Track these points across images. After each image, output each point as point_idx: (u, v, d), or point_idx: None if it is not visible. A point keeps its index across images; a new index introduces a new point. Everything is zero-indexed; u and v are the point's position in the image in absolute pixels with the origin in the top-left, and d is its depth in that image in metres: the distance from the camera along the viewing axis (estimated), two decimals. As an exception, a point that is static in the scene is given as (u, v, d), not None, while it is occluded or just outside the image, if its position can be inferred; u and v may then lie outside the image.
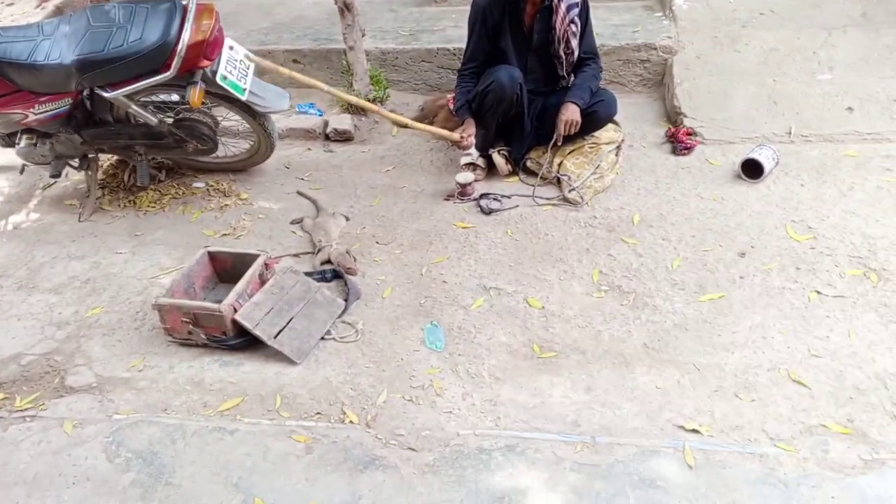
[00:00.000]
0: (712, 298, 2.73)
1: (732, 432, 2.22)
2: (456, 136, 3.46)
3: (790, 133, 3.59)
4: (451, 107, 3.81)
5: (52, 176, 3.56)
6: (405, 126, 3.70)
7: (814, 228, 3.02)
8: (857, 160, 3.39)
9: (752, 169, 3.33)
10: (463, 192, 3.44)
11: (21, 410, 2.52)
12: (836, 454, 2.12)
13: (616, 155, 3.54)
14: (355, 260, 3.08)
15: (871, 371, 2.37)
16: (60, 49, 3.07)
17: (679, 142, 3.62)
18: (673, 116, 3.89)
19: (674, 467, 2.13)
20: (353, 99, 3.68)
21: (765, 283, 2.78)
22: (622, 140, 3.61)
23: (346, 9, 3.83)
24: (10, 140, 3.49)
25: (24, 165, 3.67)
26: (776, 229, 3.04)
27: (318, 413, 2.42)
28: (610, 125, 3.58)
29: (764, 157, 3.30)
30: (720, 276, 2.84)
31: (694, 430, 2.23)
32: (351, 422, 2.38)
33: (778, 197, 3.23)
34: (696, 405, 2.32)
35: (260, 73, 3.51)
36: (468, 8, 3.47)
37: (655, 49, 4.17)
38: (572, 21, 3.26)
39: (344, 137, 4.08)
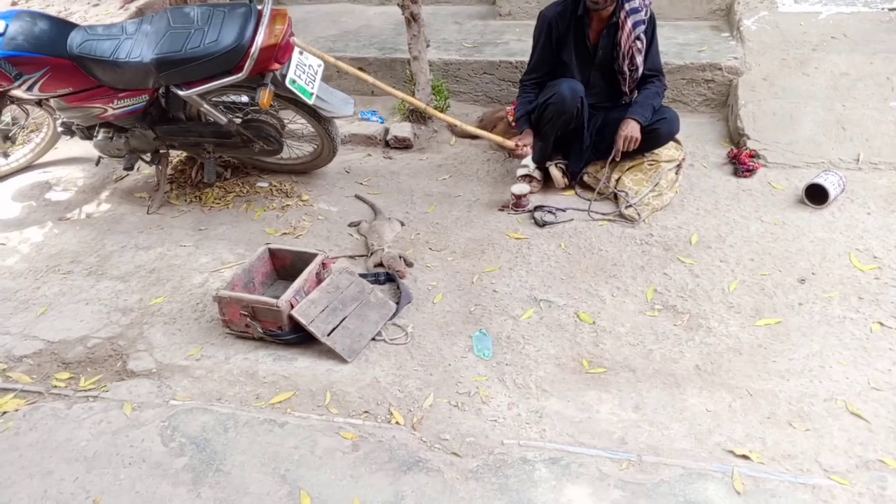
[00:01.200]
0: (769, 324, 2.68)
1: (784, 461, 2.16)
2: (511, 143, 3.48)
3: (858, 160, 3.49)
4: (510, 118, 3.84)
5: (126, 169, 3.72)
6: (462, 133, 3.72)
7: (879, 258, 2.93)
8: (929, 191, 3.28)
9: (816, 194, 3.26)
10: (518, 203, 3.46)
11: (85, 390, 2.64)
12: (894, 491, 2.05)
13: (676, 173, 3.51)
14: (412, 265, 3.12)
15: (935, 408, 2.29)
16: (141, 48, 3.21)
17: (741, 163, 3.57)
18: (736, 138, 3.83)
19: (721, 492, 2.09)
20: (414, 101, 3.69)
21: (825, 311, 2.71)
22: (683, 159, 3.57)
23: (412, 19, 3.90)
24: (88, 133, 3.67)
25: (99, 157, 3.85)
26: (839, 257, 2.96)
27: (366, 412, 2.46)
28: (671, 143, 3.55)
29: (830, 182, 3.22)
30: (778, 301, 2.78)
31: (744, 456, 2.19)
32: (397, 423, 2.41)
33: (843, 224, 3.15)
34: (748, 431, 2.27)
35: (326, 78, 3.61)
36: (532, 22, 3.51)
37: (721, 69, 4.11)
38: (638, 37, 3.25)
39: (403, 145, 4.15)
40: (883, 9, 4.32)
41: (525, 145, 3.46)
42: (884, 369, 2.44)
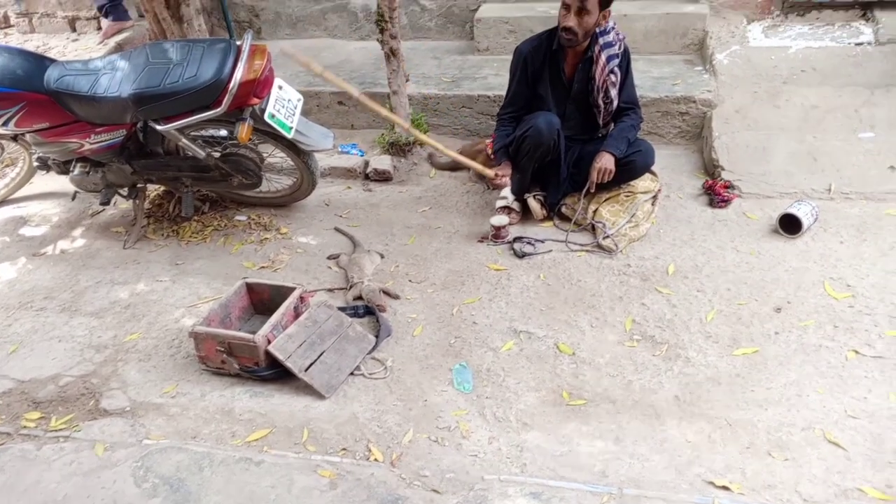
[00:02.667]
0: (746, 353, 2.69)
1: (764, 491, 2.16)
2: (491, 172, 3.51)
3: (830, 190, 3.56)
4: (489, 151, 3.87)
5: (102, 203, 3.70)
6: (442, 165, 3.72)
7: (853, 287, 2.96)
8: (899, 220, 3.34)
9: (790, 224, 3.30)
10: (497, 234, 3.48)
11: (55, 431, 2.58)
12: (874, 521, 2.05)
13: (652, 204, 3.55)
14: (397, 297, 3.12)
15: (911, 436, 2.30)
16: (119, 83, 3.22)
17: (716, 194, 3.62)
18: (711, 169, 3.89)
19: (702, 524, 2.08)
20: (398, 119, 3.68)
21: (801, 339, 2.73)
22: (658, 190, 3.62)
23: (391, 55, 3.95)
24: (64, 167, 3.65)
25: (75, 192, 3.82)
26: (814, 286, 2.99)
27: (344, 449, 2.42)
28: (647, 175, 3.60)
29: (803, 212, 3.28)
30: (755, 330, 2.80)
31: (724, 487, 2.18)
32: (376, 459, 2.37)
33: (816, 253, 3.19)
34: (727, 461, 2.27)
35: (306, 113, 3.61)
36: (510, 56, 3.56)
37: (695, 102, 4.19)
38: (612, 71, 3.31)
39: (383, 177, 4.16)
40: (850, 43, 4.45)
41: (504, 176, 3.49)
42: (859, 397, 2.45)
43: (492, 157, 3.73)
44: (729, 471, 2.23)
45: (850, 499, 2.11)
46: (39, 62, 3.37)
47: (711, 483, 2.19)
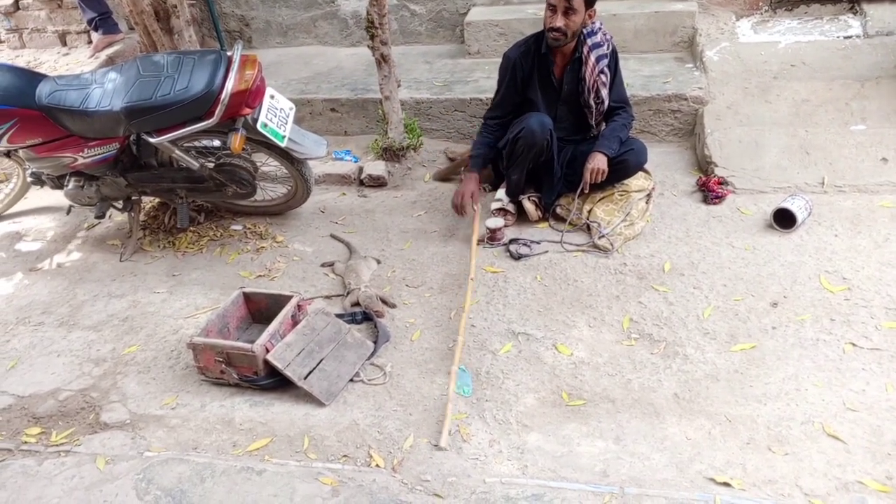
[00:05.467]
0: (744, 349, 2.70)
1: (765, 486, 2.16)
2: (468, 200, 3.50)
3: (823, 183, 3.57)
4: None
5: (97, 217, 3.70)
6: (445, 176, 3.73)
7: (848, 279, 2.97)
8: (892, 211, 3.35)
9: (784, 219, 3.31)
10: (493, 236, 3.48)
11: (56, 445, 2.58)
12: (875, 513, 2.06)
13: (646, 202, 3.56)
14: (394, 306, 3.12)
15: (910, 427, 2.30)
16: (111, 97, 3.22)
17: (710, 191, 3.63)
18: (704, 166, 3.90)
19: (704, 521, 2.08)
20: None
21: (798, 333, 2.73)
22: (652, 188, 3.62)
23: (382, 60, 3.95)
24: (58, 182, 3.64)
25: (70, 206, 3.81)
26: (810, 280, 3.00)
27: (345, 456, 2.43)
28: (640, 173, 3.61)
29: (797, 206, 3.29)
30: (752, 326, 2.80)
31: (725, 484, 2.18)
32: (377, 465, 2.38)
33: (811, 247, 3.20)
34: (728, 457, 2.27)
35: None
36: (500, 59, 3.56)
37: (686, 99, 4.21)
38: (602, 71, 3.33)
39: (378, 183, 4.17)
40: (838, 37, 4.46)
41: (465, 200, 3.48)
42: (858, 389, 2.46)
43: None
44: (730, 467, 2.24)
45: (851, 491, 2.11)
46: (30, 78, 3.37)
47: (712, 480, 2.20)
